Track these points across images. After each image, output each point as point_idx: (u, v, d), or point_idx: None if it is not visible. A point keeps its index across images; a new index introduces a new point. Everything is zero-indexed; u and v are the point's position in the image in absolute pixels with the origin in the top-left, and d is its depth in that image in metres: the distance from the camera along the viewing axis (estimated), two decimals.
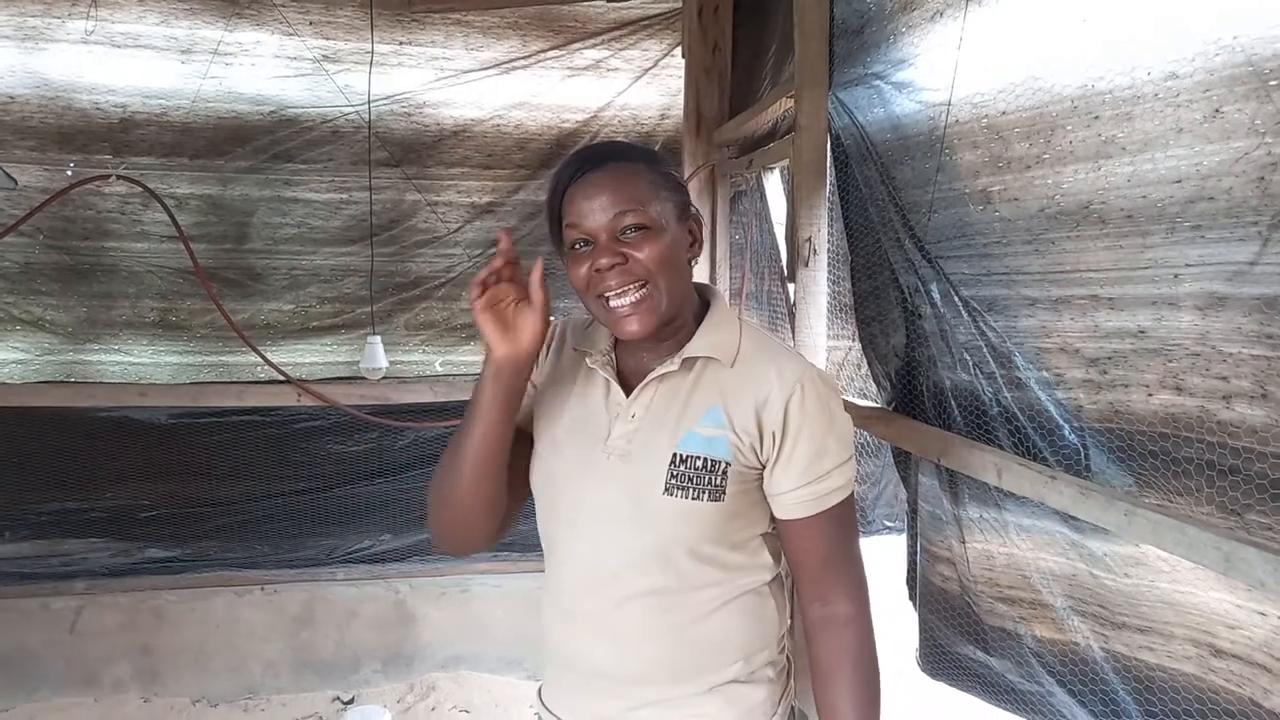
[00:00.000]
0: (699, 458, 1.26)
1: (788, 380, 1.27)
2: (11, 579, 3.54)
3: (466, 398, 4.12)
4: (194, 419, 3.61)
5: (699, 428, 1.27)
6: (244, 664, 3.61)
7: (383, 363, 3.43)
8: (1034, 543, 1.69)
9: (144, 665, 3.54)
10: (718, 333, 1.32)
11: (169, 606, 3.57)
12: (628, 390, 1.33)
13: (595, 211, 1.24)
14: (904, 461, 2.20)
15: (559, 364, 1.43)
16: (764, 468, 1.29)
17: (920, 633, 2.04)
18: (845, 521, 1.32)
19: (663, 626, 1.29)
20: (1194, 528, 1.26)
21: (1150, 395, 1.39)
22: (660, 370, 1.30)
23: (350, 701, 3.55)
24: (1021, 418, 1.66)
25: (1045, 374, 1.60)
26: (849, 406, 2.33)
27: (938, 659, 1.99)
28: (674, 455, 1.26)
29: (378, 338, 3.45)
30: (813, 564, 1.32)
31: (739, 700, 1.33)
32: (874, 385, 2.34)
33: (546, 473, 1.38)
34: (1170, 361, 1.35)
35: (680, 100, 3.46)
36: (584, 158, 1.28)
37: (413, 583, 3.77)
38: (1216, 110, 1.24)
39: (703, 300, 1.39)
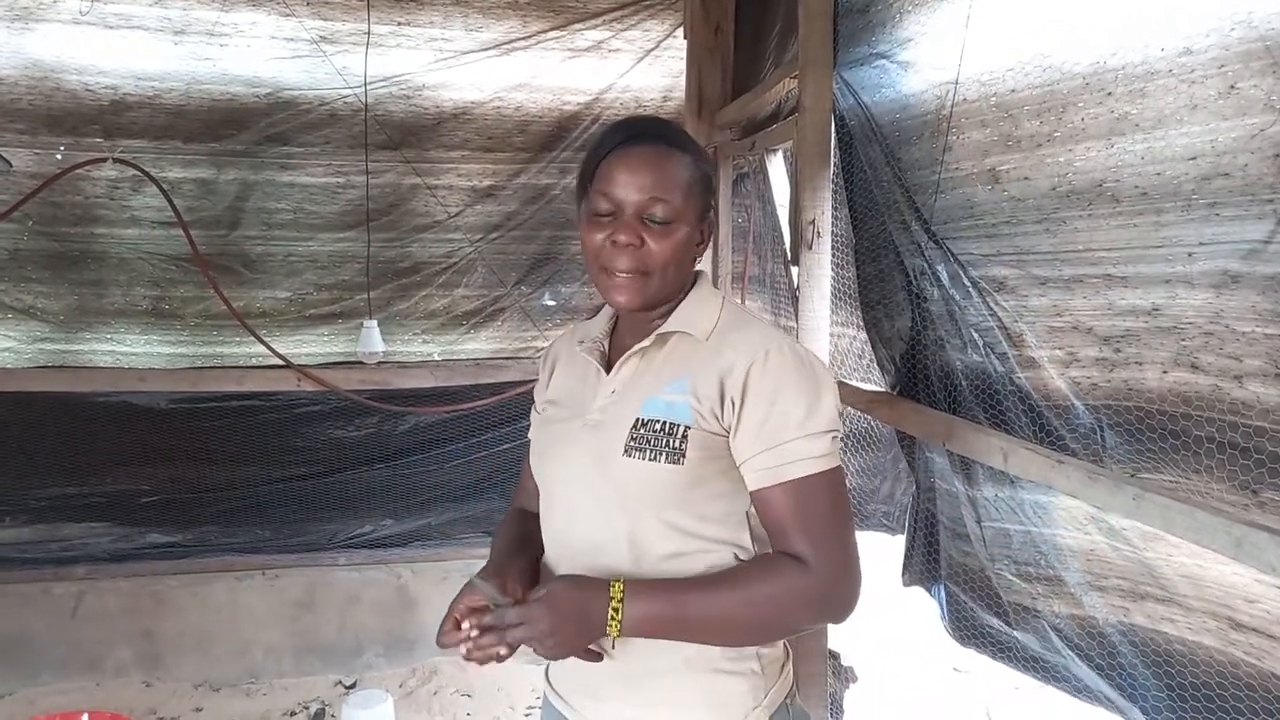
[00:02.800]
0: (658, 421, 1.26)
1: (754, 348, 1.26)
2: (13, 564, 3.53)
3: (467, 382, 4.06)
4: (193, 404, 3.59)
5: (663, 394, 1.28)
6: (246, 648, 3.60)
7: (379, 347, 3.42)
8: (1051, 519, 1.69)
9: (146, 650, 3.54)
10: (694, 310, 1.34)
11: (170, 591, 3.56)
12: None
13: (631, 187, 1.26)
14: (909, 444, 2.19)
15: (564, 360, 1.48)
16: (729, 435, 1.27)
17: (948, 602, 2.05)
18: (817, 499, 1.22)
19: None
20: (1204, 512, 1.25)
21: (1165, 373, 1.38)
22: (636, 346, 1.33)
23: (352, 686, 3.55)
24: (1035, 396, 1.65)
25: (1059, 353, 1.59)
26: (850, 390, 2.33)
27: (966, 628, 1.99)
28: (636, 420, 1.27)
29: (374, 322, 3.43)
30: (779, 541, 1.24)
31: (715, 690, 1.29)
32: (878, 370, 2.32)
33: (535, 451, 1.44)
34: (1184, 340, 1.34)
35: (683, 82, 3.43)
36: (638, 128, 1.30)
37: (414, 567, 3.76)
38: (1232, 86, 1.23)
39: (693, 283, 1.40)
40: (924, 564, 2.16)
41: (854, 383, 2.47)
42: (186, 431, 3.60)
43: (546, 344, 1.58)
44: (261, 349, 3.48)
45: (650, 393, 1.29)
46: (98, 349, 3.54)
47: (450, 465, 3.81)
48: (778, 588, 1.21)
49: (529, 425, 1.53)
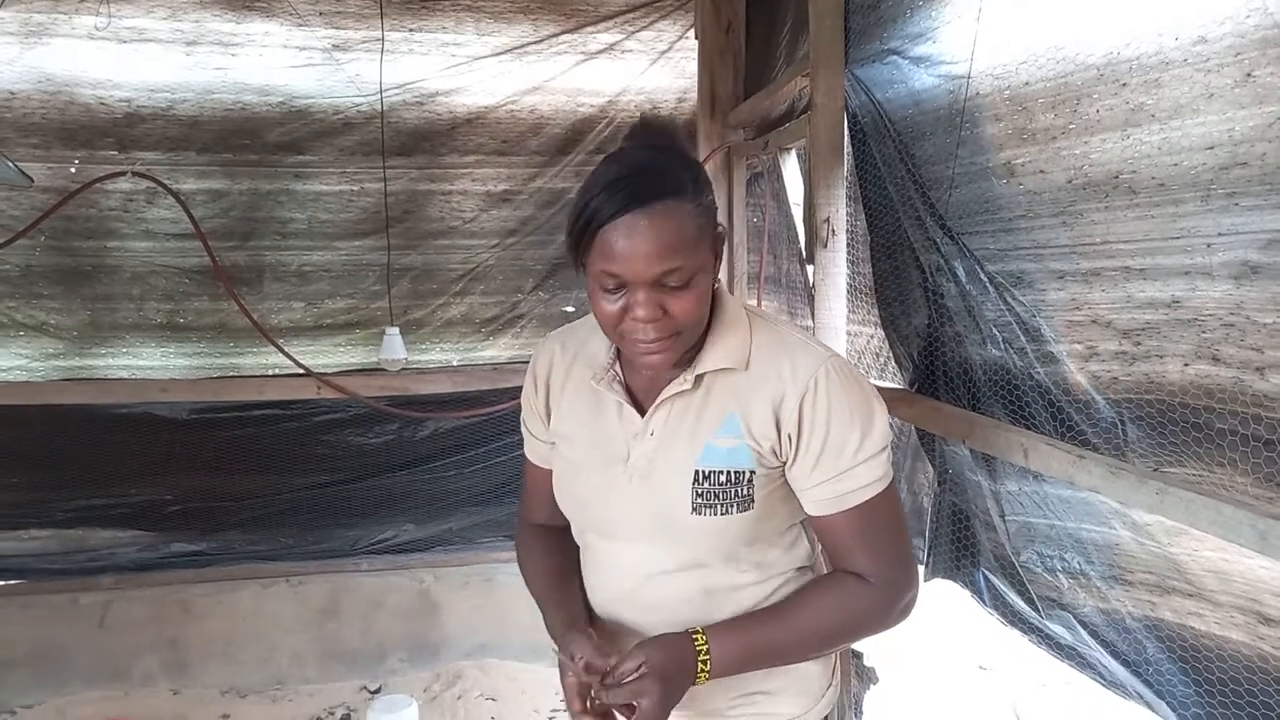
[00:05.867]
0: (722, 472, 1.23)
1: (801, 376, 1.23)
2: (41, 574, 3.57)
3: (486, 387, 4.03)
4: (215, 413, 3.61)
5: (717, 440, 1.24)
6: (271, 655, 3.63)
7: (402, 353, 3.42)
8: (1075, 513, 1.68)
9: (172, 658, 3.57)
10: (728, 339, 1.27)
11: (196, 600, 3.59)
12: (639, 407, 1.31)
13: (636, 260, 1.12)
14: (929, 437, 2.18)
15: (565, 387, 1.40)
16: (785, 464, 1.28)
17: (986, 588, 2.04)
18: (876, 518, 1.25)
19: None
20: (1229, 506, 1.24)
21: (1186, 366, 1.37)
22: (674, 390, 1.27)
23: (377, 691, 3.57)
24: (1055, 391, 1.63)
25: (1078, 347, 1.58)
26: None
27: (1008, 612, 1.98)
28: (696, 473, 1.24)
29: (396, 329, 3.44)
30: (840, 559, 1.29)
31: (798, 675, 1.35)
32: (896, 368, 2.31)
33: (573, 496, 1.38)
34: (1204, 332, 1.32)
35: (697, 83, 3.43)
36: (628, 192, 1.12)
37: (436, 572, 3.78)
38: (1248, 74, 1.21)
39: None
40: (950, 555, 2.15)
41: (873, 381, 2.46)
42: (209, 441, 3.62)
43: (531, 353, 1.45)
44: (279, 359, 3.49)
45: (701, 437, 1.25)
46: (113, 364, 3.55)
47: (470, 470, 3.82)
48: (847, 609, 1.26)
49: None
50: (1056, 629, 1.80)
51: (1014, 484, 1.82)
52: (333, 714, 3.43)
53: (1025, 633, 1.92)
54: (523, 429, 1.50)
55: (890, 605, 1.27)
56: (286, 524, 3.75)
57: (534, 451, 1.49)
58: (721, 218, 3.38)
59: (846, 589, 1.26)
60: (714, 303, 1.28)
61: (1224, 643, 1.42)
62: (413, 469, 3.80)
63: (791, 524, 1.33)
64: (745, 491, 1.23)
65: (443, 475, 3.83)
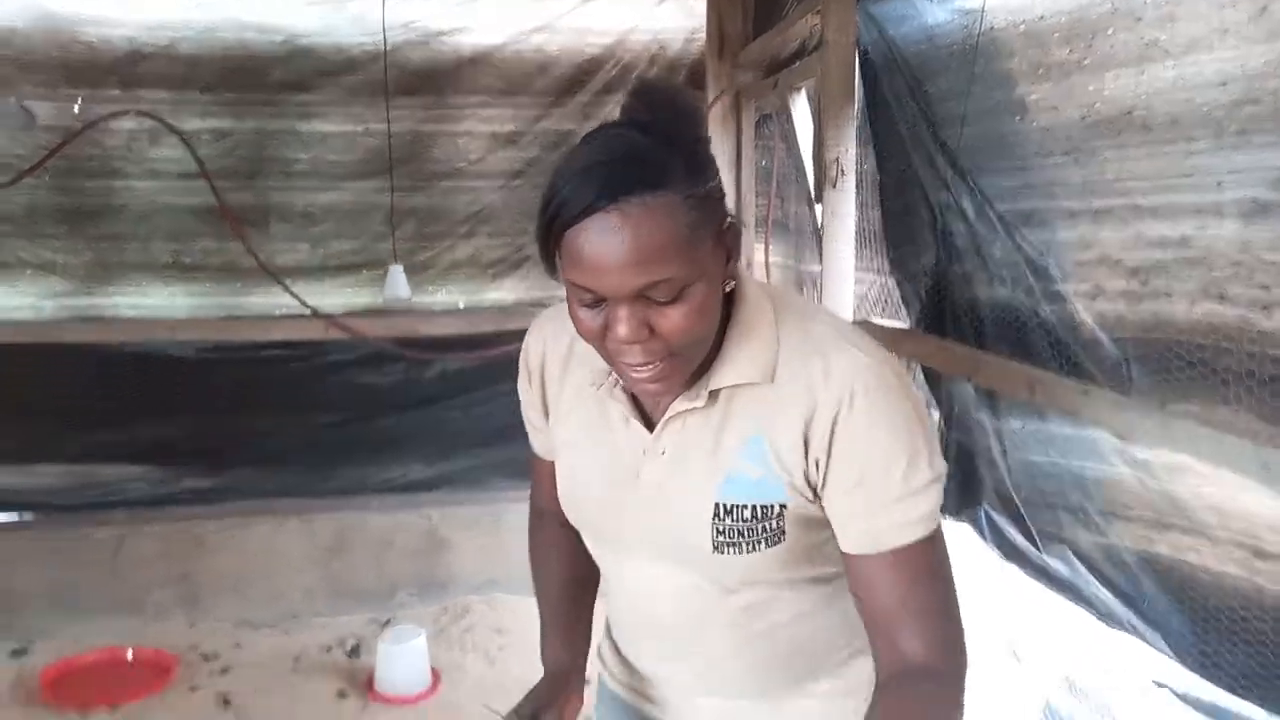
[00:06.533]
0: (746, 506, 1.03)
1: (835, 386, 0.99)
2: (55, 510, 3.63)
3: (492, 329, 4.01)
4: (223, 353, 3.63)
5: (742, 467, 1.04)
6: (283, 591, 3.69)
7: (405, 291, 3.42)
8: (1077, 451, 1.70)
9: (185, 592, 3.63)
10: (750, 346, 1.04)
11: (208, 535, 3.65)
12: (646, 419, 1.11)
13: (609, 271, 0.90)
14: (935, 378, 2.20)
15: (564, 384, 1.21)
16: (818, 489, 1.05)
17: (987, 524, 2.06)
18: (925, 567, 1.01)
19: (744, 639, 1.13)
20: (1232, 436, 1.25)
21: (1192, 304, 1.38)
22: (685, 404, 1.06)
23: (387, 624, 3.64)
24: (1061, 330, 1.64)
25: (1085, 286, 1.59)
26: (875, 328, 2.32)
27: (1007, 548, 2.01)
28: (717, 506, 1.04)
29: (399, 266, 3.44)
30: (876, 610, 1.03)
31: (833, 701, 1.18)
32: (902, 309, 2.32)
33: (580, 508, 1.22)
34: (1212, 271, 1.33)
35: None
36: (598, 185, 0.90)
37: (444, 511, 3.82)
38: (1263, 9, 1.21)
39: (726, 297, 1.04)
40: (955, 494, 2.17)
41: (878, 320, 2.47)
42: (218, 380, 3.64)
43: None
44: (286, 299, 3.50)
45: (722, 463, 1.05)
46: (120, 303, 3.56)
47: (477, 410, 3.85)
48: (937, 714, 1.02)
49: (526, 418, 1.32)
50: (1054, 563, 1.83)
51: (1017, 421, 1.84)
52: (343, 644, 3.50)
53: (1023, 567, 1.96)
54: (525, 420, 1.34)
55: (961, 700, 1.02)
56: (296, 462, 3.79)
57: (539, 444, 1.33)
58: (730, 163, 3.34)
59: (923, 696, 1.00)
60: (734, 299, 1.06)
61: (1221, 577, 1.45)
62: (420, 409, 3.83)
63: (827, 537, 1.07)
64: (775, 525, 1.04)
65: (450, 416, 3.85)
